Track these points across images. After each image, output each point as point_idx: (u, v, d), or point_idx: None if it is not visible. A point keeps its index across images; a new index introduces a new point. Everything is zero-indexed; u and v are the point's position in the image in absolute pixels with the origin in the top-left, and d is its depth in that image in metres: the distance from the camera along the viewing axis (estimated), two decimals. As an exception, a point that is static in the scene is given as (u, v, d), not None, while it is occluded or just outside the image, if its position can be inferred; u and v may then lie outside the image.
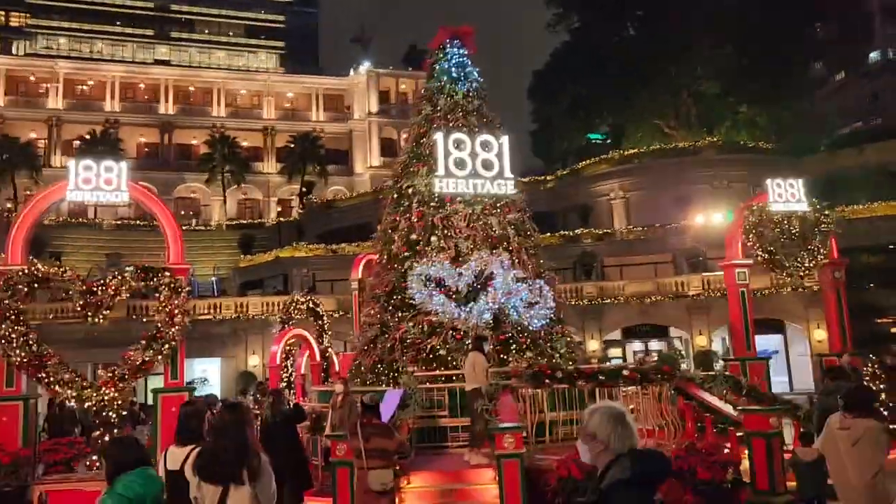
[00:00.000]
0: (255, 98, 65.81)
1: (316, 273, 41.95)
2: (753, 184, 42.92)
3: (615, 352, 36.31)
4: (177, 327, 12.81)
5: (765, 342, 33.88)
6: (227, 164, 57.68)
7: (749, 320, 16.58)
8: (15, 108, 59.67)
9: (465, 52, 16.85)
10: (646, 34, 49.94)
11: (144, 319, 33.71)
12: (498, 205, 15.73)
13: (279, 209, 62.42)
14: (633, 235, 40.83)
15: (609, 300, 34.59)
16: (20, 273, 12.27)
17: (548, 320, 15.12)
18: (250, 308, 35.37)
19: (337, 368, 18.71)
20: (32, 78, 61.81)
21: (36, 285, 12.44)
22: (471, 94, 16.60)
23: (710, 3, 46.31)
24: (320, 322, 18.51)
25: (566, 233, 40.71)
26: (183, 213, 60.85)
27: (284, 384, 16.72)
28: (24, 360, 12.06)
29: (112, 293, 12.57)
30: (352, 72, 66.82)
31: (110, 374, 12.54)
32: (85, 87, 62.72)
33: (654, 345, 36.53)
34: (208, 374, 35.46)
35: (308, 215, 51.46)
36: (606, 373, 10.57)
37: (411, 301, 14.82)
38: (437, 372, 13.09)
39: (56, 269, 12.58)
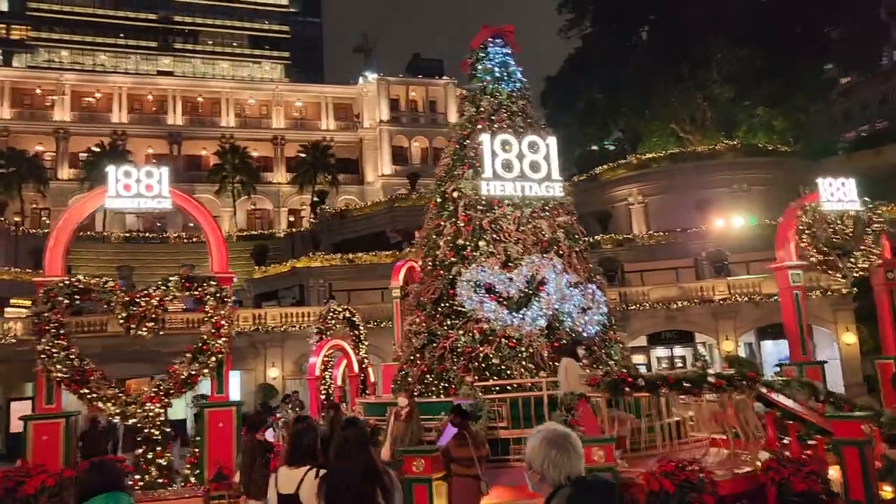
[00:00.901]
0: (263, 108, 65.42)
1: (333, 283, 41.38)
2: (773, 186, 42.58)
3: (639, 358, 35.64)
4: (223, 339, 12.24)
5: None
6: (238, 174, 57.25)
7: (804, 323, 15.97)
8: (21, 120, 59.28)
9: (508, 51, 16.33)
10: (659, 38, 49.54)
11: (161, 332, 32.95)
12: (546, 207, 15.16)
13: (291, 219, 61.94)
14: (654, 240, 40.26)
15: (633, 306, 33.97)
16: (61, 285, 11.69)
17: (601, 326, 14.56)
18: (268, 319, 34.75)
19: (373, 379, 18.15)
20: (38, 91, 61.44)
21: (77, 297, 11.85)
22: (514, 94, 16.07)
23: (725, 6, 45.92)
24: (357, 332, 17.91)
25: (586, 238, 40.08)
26: (192, 224, 60.47)
27: (323, 396, 16.12)
28: (66, 375, 11.49)
29: (156, 304, 12.01)
30: (361, 80, 66.49)
31: (155, 390, 11.95)
32: (92, 99, 62.33)
33: (679, 351, 35.91)
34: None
35: (321, 225, 50.89)
36: (692, 380, 9.95)
37: (460, 308, 14.27)
38: (499, 382, 12.47)
39: (97, 280, 11.97)
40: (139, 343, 33.06)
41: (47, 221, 57.26)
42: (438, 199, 15.83)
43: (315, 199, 55.98)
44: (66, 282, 11.79)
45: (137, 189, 12.46)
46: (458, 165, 15.63)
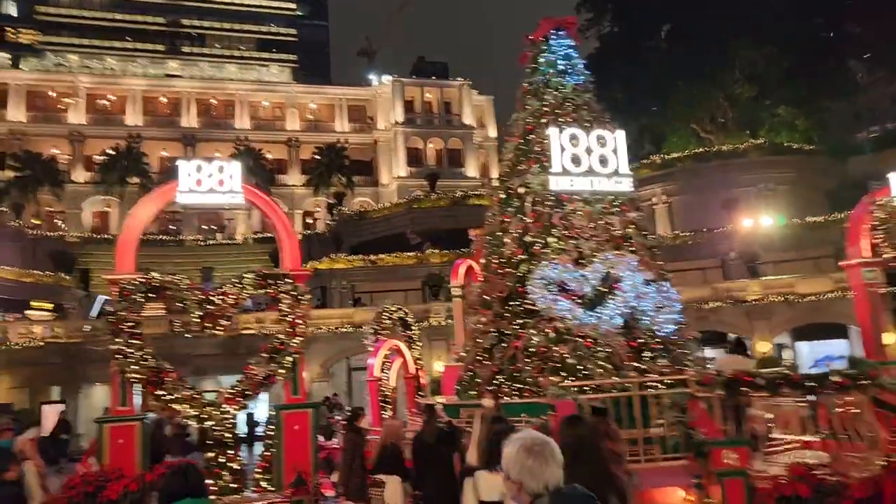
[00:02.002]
0: (277, 110, 65.13)
1: (356, 285, 41.02)
2: (798, 186, 42.23)
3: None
4: (299, 338, 11.85)
5: (828, 348, 32.86)
6: (253, 176, 56.76)
7: (881, 323, 15.55)
8: (36, 123, 58.95)
9: (571, 43, 15.96)
10: (680, 38, 49.20)
11: (188, 335, 32.55)
12: (615, 203, 14.77)
13: (310, 221, 61.58)
14: (680, 240, 39.83)
15: (664, 307, 33.54)
16: (136, 283, 11.31)
17: (676, 325, 14.16)
18: (295, 321, 34.32)
19: (425, 381, 17.77)
20: (52, 93, 61.15)
21: (152, 295, 11.46)
22: (579, 87, 15.70)
23: (747, 4, 45.58)
24: (410, 332, 17.51)
25: (654, 236, 39.82)
26: (205, 227, 60.15)
27: (381, 398, 15.72)
28: (142, 376, 11.10)
29: (232, 303, 11.62)
30: (375, 82, 66.25)
31: (231, 392, 11.55)
32: (106, 102, 62.08)
33: (709, 352, 35.48)
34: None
35: (339, 227, 50.54)
36: (816, 378, 9.56)
37: (532, 307, 13.87)
38: (599, 381, 12.04)
39: (172, 277, 11.58)
40: (165, 344, 32.91)
41: (61, 224, 56.96)
42: (503, 196, 15.45)
43: (332, 200, 55.67)
44: (142, 279, 11.39)
45: (209, 184, 12.10)
46: (523, 161, 15.24)
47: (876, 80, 47.24)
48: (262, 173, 57.10)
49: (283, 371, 11.72)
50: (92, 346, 32.43)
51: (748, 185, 41.58)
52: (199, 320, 11.47)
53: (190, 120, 61.97)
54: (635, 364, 13.26)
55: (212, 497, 11.32)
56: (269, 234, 58.26)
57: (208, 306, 11.47)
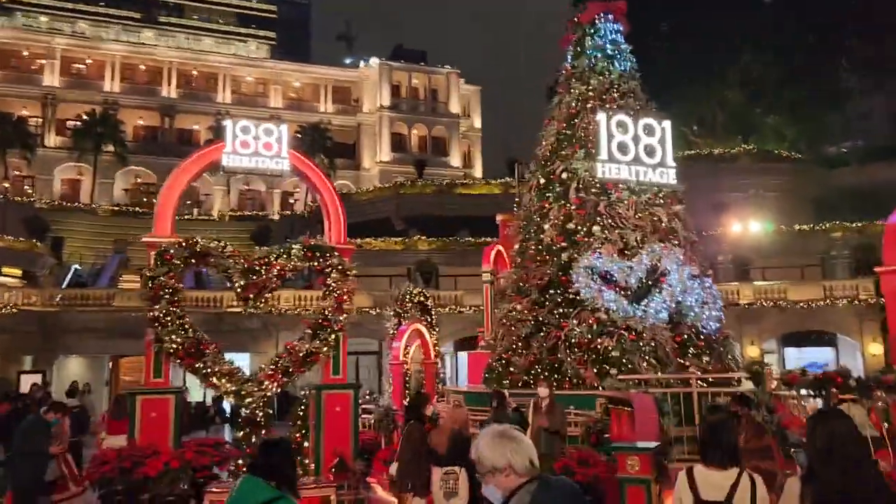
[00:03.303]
0: (260, 86, 63.65)
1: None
2: (787, 193, 42.58)
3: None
4: (344, 315, 11.21)
5: (815, 354, 33.21)
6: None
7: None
8: (7, 83, 56.59)
9: (619, 28, 15.52)
10: (677, 38, 49.24)
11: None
12: (660, 195, 14.41)
13: (291, 201, 60.35)
14: (670, 241, 39.85)
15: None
16: (178, 246, 10.55)
17: (719, 323, 13.88)
18: (282, 302, 33.50)
19: (441, 367, 17.27)
20: (26, 53, 58.74)
21: (193, 261, 10.71)
22: (625, 74, 15.28)
23: (744, 11, 45.79)
24: (429, 317, 16.94)
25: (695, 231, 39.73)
26: (189, 201, 58.48)
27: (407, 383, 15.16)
28: (181, 347, 10.36)
29: (276, 274, 10.92)
30: (361, 64, 65.12)
31: (273, 368, 10.87)
32: (82, 66, 59.86)
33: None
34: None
35: (321, 209, 49.44)
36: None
37: (573, 296, 13.45)
38: (648, 375, 11.64)
39: (216, 243, 10.83)
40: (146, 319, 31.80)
41: (29, 190, 54.83)
42: (542, 181, 14.97)
43: (315, 181, 54.53)
44: (184, 243, 10.63)
45: (255, 147, 11.39)
46: (566, 145, 14.77)
47: (866, 91, 47.81)
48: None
49: (326, 349, 11.07)
50: (68, 316, 31.23)
51: (738, 190, 41.78)
52: (241, 290, 10.73)
53: (170, 90, 60.16)
54: (680, 361, 12.95)
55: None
56: (248, 214, 57.12)
57: (252, 276, 10.75)
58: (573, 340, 13.09)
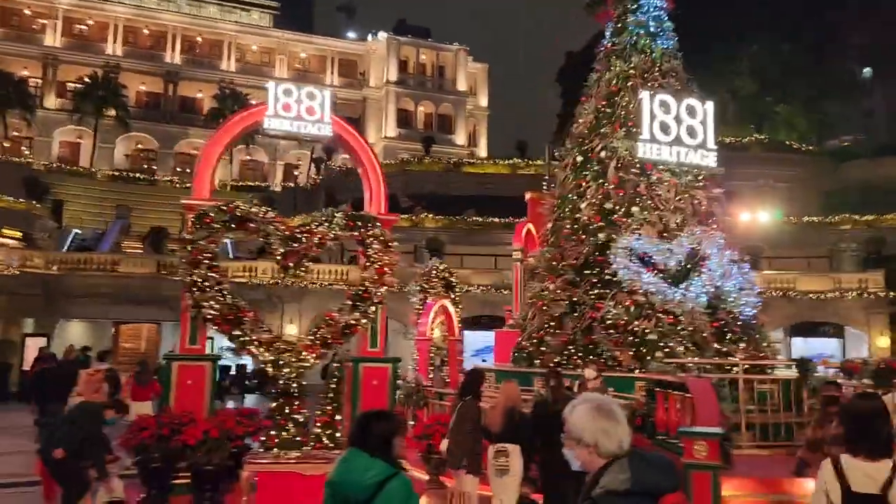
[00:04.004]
0: (265, 55, 62.84)
1: (344, 242, 39.80)
2: (796, 184, 42.41)
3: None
4: (385, 287, 10.89)
5: (822, 345, 33.19)
6: (238, 121, 54.80)
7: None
8: (7, 41, 55.55)
9: (663, 5, 15.14)
10: (689, 25, 48.67)
11: (177, 279, 31.08)
12: (699, 177, 14.14)
13: (296, 173, 59.72)
14: (677, 228, 39.66)
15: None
16: (218, 210, 10.18)
17: (755, 310, 13.66)
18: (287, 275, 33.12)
19: (461, 347, 17.02)
20: (28, 11, 57.62)
21: (233, 225, 10.35)
22: (667, 52, 14.92)
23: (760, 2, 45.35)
24: (453, 295, 16.66)
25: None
26: (180, 169, 57.86)
27: (437, 361, 14.93)
28: (219, 313, 10.03)
29: (318, 241, 10.58)
30: (369, 37, 64.30)
31: (311, 338, 10.56)
32: (84, 27, 58.81)
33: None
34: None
35: (327, 182, 49.08)
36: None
37: (608, 277, 13.20)
38: (697, 360, 11.42)
39: (257, 208, 10.47)
40: (152, 286, 31.40)
41: (27, 151, 54.03)
42: (579, 159, 14.65)
43: (314, 156, 54.06)
44: (224, 206, 10.26)
45: (298, 110, 11.01)
46: (606, 124, 14.44)
47: (879, 85, 47.55)
48: (248, 119, 55.07)
49: (366, 321, 10.76)
50: (71, 280, 30.80)
51: (747, 179, 41.50)
52: (281, 258, 10.40)
53: (173, 56, 59.27)
54: (717, 347, 12.75)
55: (274, 450, 10.44)
56: (250, 184, 56.52)
57: (293, 244, 10.42)
58: (609, 322, 12.85)
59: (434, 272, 16.26)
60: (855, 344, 32.69)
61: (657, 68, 14.60)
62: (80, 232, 41.80)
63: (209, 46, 61.39)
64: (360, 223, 10.84)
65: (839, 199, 40.53)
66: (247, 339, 10.22)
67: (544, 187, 17.24)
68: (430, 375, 14.77)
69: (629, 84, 14.39)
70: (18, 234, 37.78)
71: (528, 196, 17.54)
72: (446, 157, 52.20)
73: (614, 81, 14.68)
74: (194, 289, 9.98)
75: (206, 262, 10.04)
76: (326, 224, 10.64)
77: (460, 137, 62.47)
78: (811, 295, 32.10)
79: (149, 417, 9.55)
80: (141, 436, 9.15)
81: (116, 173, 52.72)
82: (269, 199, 48.40)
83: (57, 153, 55.88)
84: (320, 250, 10.74)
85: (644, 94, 12.94)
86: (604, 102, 14.65)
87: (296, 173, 59.54)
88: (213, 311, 9.98)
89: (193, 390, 9.99)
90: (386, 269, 10.89)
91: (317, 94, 11.15)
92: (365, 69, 63.49)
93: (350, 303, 10.80)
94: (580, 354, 12.97)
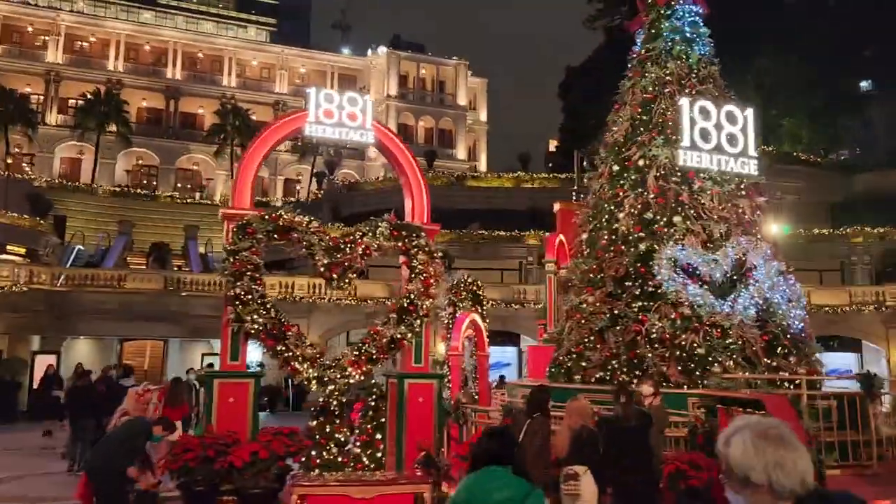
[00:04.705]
0: (265, 70, 62.64)
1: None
2: (804, 197, 42.21)
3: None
4: (431, 299, 10.50)
5: (839, 360, 32.75)
6: (238, 136, 54.49)
7: None
8: (10, 58, 55.22)
9: (699, 11, 14.86)
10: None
11: (184, 294, 30.74)
12: (742, 186, 13.79)
13: (299, 188, 59.33)
14: (687, 241, 39.34)
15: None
16: (261, 220, 9.79)
17: (803, 323, 13.26)
18: (296, 289, 32.69)
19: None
20: (30, 28, 57.35)
21: (276, 236, 9.96)
22: (704, 58, 14.62)
23: (768, 13, 45.35)
24: (481, 308, 16.25)
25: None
26: (180, 185, 57.47)
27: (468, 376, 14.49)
28: (263, 327, 9.61)
29: (361, 252, 10.20)
30: (369, 52, 64.20)
31: (356, 354, 10.15)
32: (86, 44, 58.54)
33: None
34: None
35: (329, 197, 48.71)
36: None
37: (651, 289, 12.79)
38: (762, 375, 10.99)
39: (301, 217, 10.09)
40: (159, 302, 30.83)
41: (26, 168, 53.49)
42: (615, 167, 14.28)
43: (322, 170, 53.75)
44: (267, 216, 9.87)
45: (339, 116, 10.62)
46: (643, 132, 14.09)
47: (887, 97, 47.52)
48: (250, 135, 54.71)
49: (411, 335, 10.36)
50: (77, 297, 30.21)
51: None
52: (324, 269, 10.00)
53: (174, 72, 59.00)
54: (768, 361, 12.33)
55: (315, 471, 9.97)
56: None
57: (336, 254, 10.03)
58: (654, 335, 12.42)
59: (462, 285, 15.84)
60: (874, 358, 32.31)
61: (694, 74, 14.29)
62: (83, 248, 41.26)
63: (210, 62, 61.20)
64: (405, 233, 10.48)
65: (847, 212, 40.32)
66: (290, 354, 9.84)
67: (573, 198, 16.85)
68: (460, 392, 14.35)
69: (666, 91, 14.07)
70: (23, 251, 37.22)
71: (556, 207, 17.17)
72: (448, 171, 51.92)
73: (650, 88, 14.35)
74: (237, 302, 9.57)
75: (250, 273, 9.65)
76: (371, 234, 10.28)
77: (461, 152, 62.29)
78: (826, 309, 31.71)
79: (192, 438, 9.07)
80: (184, 458, 8.67)
81: (118, 189, 52.22)
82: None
83: (58, 169, 55.40)
84: (364, 261, 10.33)
85: (684, 101, 12.60)
86: (639, 110, 14.31)
87: (297, 188, 59.15)
88: (256, 325, 9.56)
89: (236, 409, 9.55)
90: (432, 280, 10.51)
91: (358, 99, 10.80)
92: (365, 84, 63.29)
93: (395, 316, 10.43)
94: (624, 369, 12.53)
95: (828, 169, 43.19)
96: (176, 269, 37.99)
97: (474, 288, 16.27)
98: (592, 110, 50.27)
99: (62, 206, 44.88)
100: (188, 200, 52.51)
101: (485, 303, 16.44)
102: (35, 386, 23.96)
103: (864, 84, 52.74)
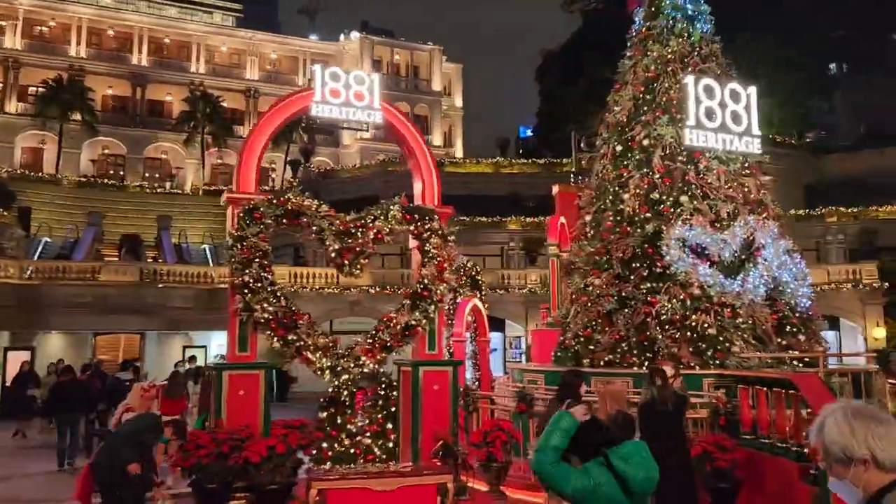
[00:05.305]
0: (235, 56, 61.31)
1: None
2: (777, 179, 42.56)
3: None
4: (445, 284, 10.14)
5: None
6: (209, 124, 53.36)
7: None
8: (-36, 45, 53.28)
9: (700, -13, 14.64)
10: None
11: (161, 285, 29.93)
12: (746, 165, 13.65)
13: (273, 177, 58.23)
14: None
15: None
16: (269, 204, 9.33)
17: (810, 301, 13.19)
18: (277, 278, 31.93)
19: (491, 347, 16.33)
20: (-15, 13, 55.33)
21: (284, 220, 9.51)
22: (705, 36, 14.41)
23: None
24: (480, 294, 15.94)
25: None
26: (149, 175, 56.10)
27: (471, 362, 14.19)
28: (273, 316, 9.18)
29: (373, 237, 9.80)
30: (342, 37, 63.24)
31: (370, 342, 9.77)
32: (46, 29, 56.66)
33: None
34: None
35: (305, 185, 47.89)
36: None
37: (659, 270, 12.59)
38: (782, 354, 10.83)
39: (310, 201, 9.65)
40: (135, 294, 29.99)
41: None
42: (619, 147, 14.03)
43: (297, 158, 52.90)
44: (275, 199, 9.41)
45: (346, 96, 10.19)
46: (647, 111, 13.85)
47: (858, 80, 48.13)
48: (221, 122, 53.70)
49: (426, 322, 10.00)
50: (48, 290, 29.25)
51: (732, 174, 41.59)
52: (335, 254, 9.59)
53: (140, 58, 57.44)
54: (779, 341, 12.22)
55: (327, 464, 9.61)
56: (222, 188, 54.89)
57: (348, 239, 9.62)
58: (664, 317, 12.23)
59: (462, 270, 15.49)
60: (851, 335, 32.75)
61: (696, 52, 14.08)
62: (49, 240, 40.06)
63: (177, 48, 59.71)
64: (417, 216, 10.09)
65: (820, 193, 40.79)
66: (302, 343, 9.42)
67: (571, 180, 16.58)
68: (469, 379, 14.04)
69: (669, 69, 13.84)
70: (-15, 245, 35.97)
71: (555, 189, 16.89)
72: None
73: (652, 67, 14.11)
74: (245, 290, 9.12)
75: (258, 260, 9.20)
76: (383, 217, 9.87)
77: (437, 138, 61.74)
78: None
79: (204, 434, 8.62)
80: (197, 454, 8.23)
81: (84, 179, 50.75)
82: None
83: (20, 160, 53.70)
84: (376, 247, 9.93)
85: (688, 79, 12.40)
86: (642, 89, 14.07)
87: (272, 176, 58.11)
88: (266, 314, 9.12)
89: (246, 401, 9.10)
90: (446, 264, 10.15)
91: (365, 78, 10.38)
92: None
93: (409, 302, 10.05)
94: (635, 352, 12.34)
95: (800, 150, 43.58)
96: (151, 260, 37.04)
97: (473, 273, 15.96)
98: (569, 93, 50.21)
99: (25, 198, 43.44)
100: (158, 190, 51.24)
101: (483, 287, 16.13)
102: (7, 384, 23.03)
103: (831, 66, 53.58)
